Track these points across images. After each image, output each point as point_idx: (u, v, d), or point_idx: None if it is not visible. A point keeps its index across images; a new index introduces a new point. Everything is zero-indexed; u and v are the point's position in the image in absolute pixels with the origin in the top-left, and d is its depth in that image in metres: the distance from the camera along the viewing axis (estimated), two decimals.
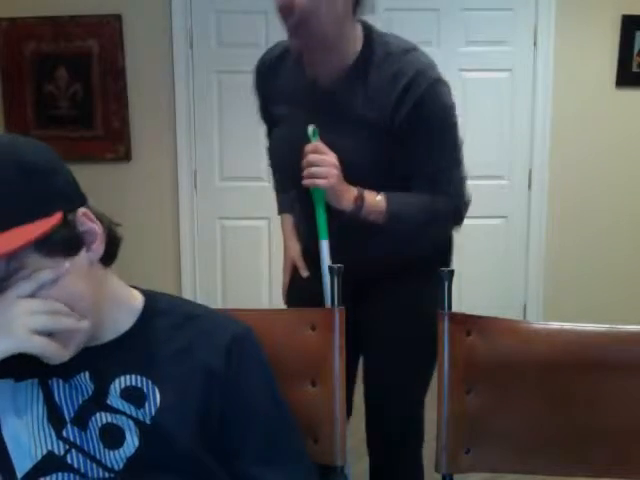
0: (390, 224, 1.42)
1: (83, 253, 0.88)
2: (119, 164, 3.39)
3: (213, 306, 1.08)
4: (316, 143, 1.39)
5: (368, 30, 1.44)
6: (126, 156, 3.38)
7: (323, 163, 1.36)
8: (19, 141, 0.87)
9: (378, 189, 1.42)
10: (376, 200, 1.40)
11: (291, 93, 1.51)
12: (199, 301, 3.60)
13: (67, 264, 0.85)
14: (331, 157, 1.37)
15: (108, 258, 0.94)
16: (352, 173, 1.39)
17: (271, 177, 1.82)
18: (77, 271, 0.86)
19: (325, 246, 1.45)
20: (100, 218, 0.91)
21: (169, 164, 3.42)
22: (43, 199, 0.83)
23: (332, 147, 1.40)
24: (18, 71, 3.31)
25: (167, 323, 0.98)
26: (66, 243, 0.85)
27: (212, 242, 3.52)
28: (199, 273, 3.53)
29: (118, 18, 3.27)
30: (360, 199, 1.39)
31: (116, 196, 3.36)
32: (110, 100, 3.33)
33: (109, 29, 3.28)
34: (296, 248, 1.71)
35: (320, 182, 1.36)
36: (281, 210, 1.80)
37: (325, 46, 1.39)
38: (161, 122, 3.37)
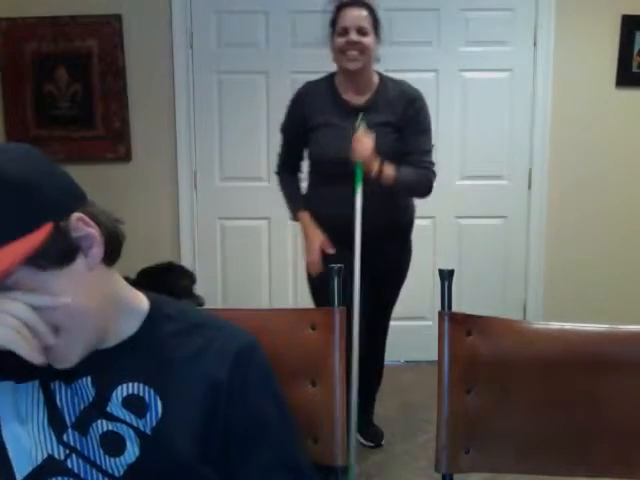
0: (397, 185, 2.26)
1: (80, 260, 0.85)
2: (119, 164, 3.40)
3: (213, 306, 1.07)
4: (358, 134, 2.21)
5: (379, 73, 2.40)
6: (126, 156, 3.39)
7: (363, 146, 2.20)
8: None
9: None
10: (390, 169, 2.24)
11: (331, 108, 2.33)
12: None
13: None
14: (368, 141, 2.21)
15: (111, 258, 0.91)
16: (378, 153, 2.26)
17: (284, 179, 2.51)
18: (74, 280, 0.84)
19: (359, 191, 2.26)
20: (97, 220, 0.87)
21: (169, 164, 3.42)
22: (28, 214, 0.80)
23: None
24: (18, 71, 3.31)
25: (173, 330, 0.95)
26: (59, 253, 0.82)
27: (212, 242, 3.52)
28: (199, 273, 3.52)
29: (118, 18, 3.27)
30: (381, 168, 2.23)
31: (116, 196, 3.36)
32: (110, 100, 3.33)
33: (109, 29, 3.28)
34: (320, 233, 2.37)
35: (362, 156, 2.19)
36: (297, 209, 2.44)
37: (364, 72, 2.30)
38: (161, 122, 3.37)
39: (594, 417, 1.13)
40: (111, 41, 3.29)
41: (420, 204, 3.56)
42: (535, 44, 3.34)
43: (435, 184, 3.45)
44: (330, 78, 2.39)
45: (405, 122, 2.31)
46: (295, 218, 2.46)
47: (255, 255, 3.50)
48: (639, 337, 1.14)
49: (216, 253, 3.53)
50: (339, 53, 2.27)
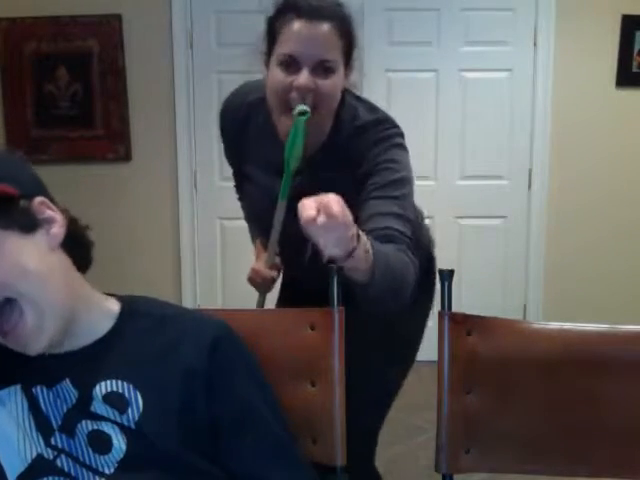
0: (370, 283, 1.12)
1: (41, 236, 0.89)
2: (119, 164, 3.39)
3: (213, 306, 1.08)
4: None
5: (342, 100, 1.36)
6: (126, 156, 3.39)
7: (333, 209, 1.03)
8: None
9: None
10: (368, 247, 1.09)
11: (263, 158, 1.45)
12: (199, 301, 3.63)
13: None
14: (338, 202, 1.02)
15: (83, 263, 0.96)
16: None
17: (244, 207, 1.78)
18: (33, 249, 0.88)
19: (281, 207, 1.38)
20: (63, 212, 0.93)
21: (169, 164, 3.42)
22: None
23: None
24: (18, 71, 3.31)
25: (145, 325, 0.97)
26: (19, 219, 0.87)
27: (212, 242, 3.51)
28: (199, 273, 3.53)
29: (118, 18, 3.27)
30: (357, 245, 1.04)
31: (116, 196, 3.36)
32: (110, 100, 3.33)
33: (109, 29, 3.28)
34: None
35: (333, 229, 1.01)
36: (254, 237, 1.78)
37: (315, 125, 1.31)
38: (161, 122, 3.37)
39: (594, 417, 1.13)
40: (111, 41, 3.29)
41: (420, 204, 3.53)
42: (535, 44, 3.33)
43: (435, 184, 3.48)
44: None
45: (363, 177, 1.32)
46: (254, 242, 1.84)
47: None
48: (639, 337, 1.14)
49: (216, 253, 3.53)
50: (276, 99, 1.30)
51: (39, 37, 3.28)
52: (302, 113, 1.26)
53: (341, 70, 1.29)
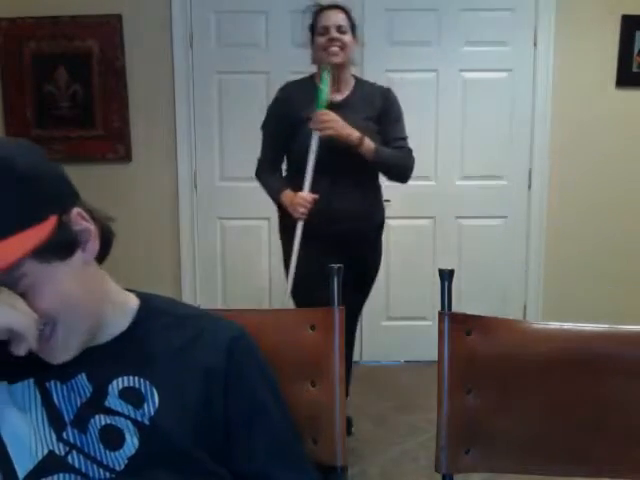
0: (377, 158, 2.37)
1: (78, 254, 0.87)
2: (119, 164, 3.40)
3: (213, 306, 1.08)
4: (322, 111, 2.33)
5: (354, 75, 2.55)
6: (126, 156, 3.39)
7: (330, 117, 2.32)
8: (3, 147, 0.85)
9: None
10: (369, 141, 2.35)
11: (312, 105, 2.35)
12: (199, 301, 3.64)
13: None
14: (333, 115, 2.32)
15: (102, 254, 0.94)
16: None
17: (267, 177, 2.54)
18: (72, 273, 0.86)
19: (315, 136, 2.33)
20: (93, 215, 0.90)
21: (169, 164, 3.42)
22: (35, 205, 0.82)
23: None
24: (18, 71, 3.31)
25: (163, 324, 0.98)
26: (62, 247, 0.85)
27: (212, 242, 3.52)
28: (199, 273, 3.53)
29: (118, 18, 3.27)
30: (363, 137, 2.34)
31: (116, 196, 3.36)
32: (110, 100, 3.33)
33: (109, 29, 3.28)
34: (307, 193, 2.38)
35: (332, 126, 2.32)
36: (280, 190, 2.45)
37: (344, 69, 2.45)
38: (161, 122, 3.38)
39: (594, 417, 1.13)
40: (111, 41, 3.29)
41: (420, 204, 3.55)
42: (535, 44, 3.34)
43: (435, 184, 3.48)
44: (310, 78, 2.49)
45: (382, 114, 2.45)
46: (279, 199, 2.45)
47: (255, 255, 3.50)
48: (639, 337, 1.14)
49: (216, 253, 3.53)
50: (321, 51, 2.40)
51: (39, 37, 3.28)
52: (326, 71, 2.35)
53: (350, 36, 2.43)
